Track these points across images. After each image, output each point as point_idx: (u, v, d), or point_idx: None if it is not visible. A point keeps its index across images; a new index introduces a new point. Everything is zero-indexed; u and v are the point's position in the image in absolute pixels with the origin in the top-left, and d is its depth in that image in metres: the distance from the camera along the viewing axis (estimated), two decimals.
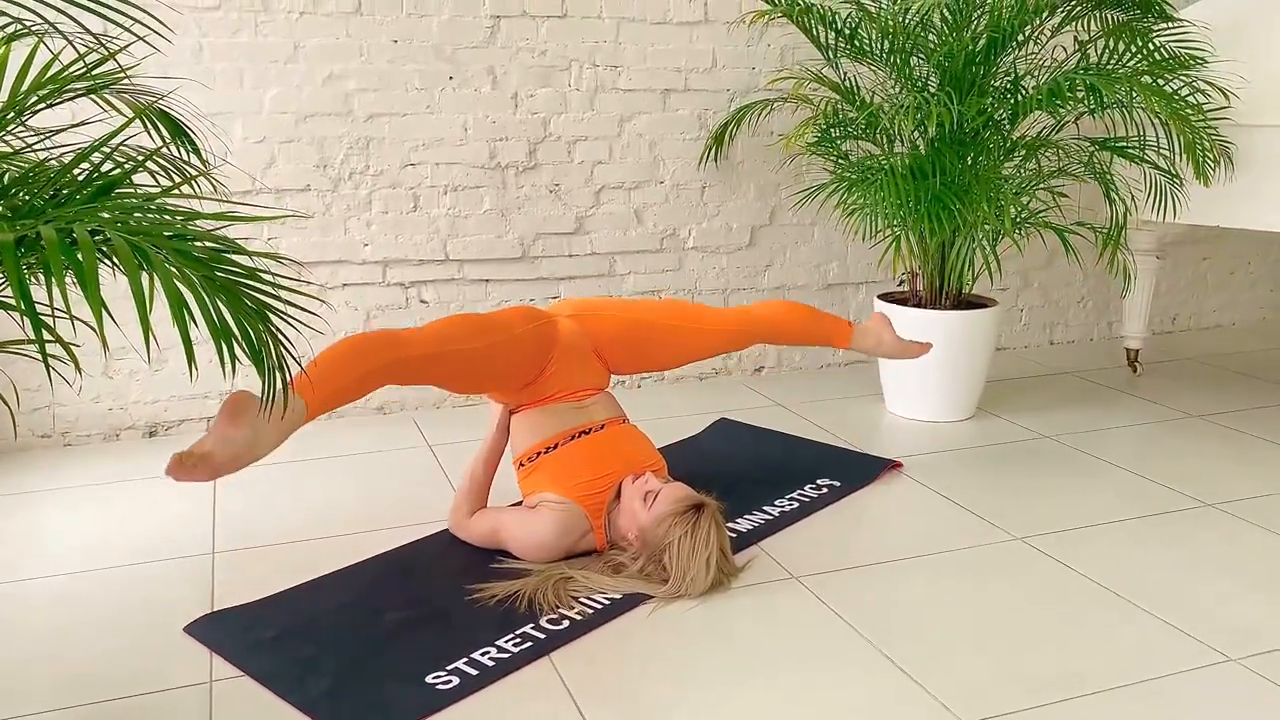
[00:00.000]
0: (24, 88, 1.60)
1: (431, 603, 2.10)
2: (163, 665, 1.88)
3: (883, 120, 2.75)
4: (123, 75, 1.72)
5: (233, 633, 1.98)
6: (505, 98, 3.28)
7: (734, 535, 2.39)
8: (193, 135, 1.92)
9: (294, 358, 1.47)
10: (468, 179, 3.29)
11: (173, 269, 1.19)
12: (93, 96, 1.75)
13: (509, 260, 3.38)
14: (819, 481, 2.72)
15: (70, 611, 2.09)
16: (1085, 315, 4.25)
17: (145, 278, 1.18)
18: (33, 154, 1.62)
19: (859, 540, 2.39)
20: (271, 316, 1.30)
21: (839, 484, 2.70)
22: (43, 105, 1.59)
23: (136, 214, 1.32)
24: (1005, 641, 1.95)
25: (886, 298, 3.30)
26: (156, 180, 1.80)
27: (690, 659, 1.90)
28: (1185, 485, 2.69)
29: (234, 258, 1.27)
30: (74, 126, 1.77)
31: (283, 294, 1.35)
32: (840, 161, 3.18)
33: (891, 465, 2.82)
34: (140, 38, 1.76)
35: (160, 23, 1.92)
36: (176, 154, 1.86)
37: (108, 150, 1.57)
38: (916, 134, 3.01)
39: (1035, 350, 4.15)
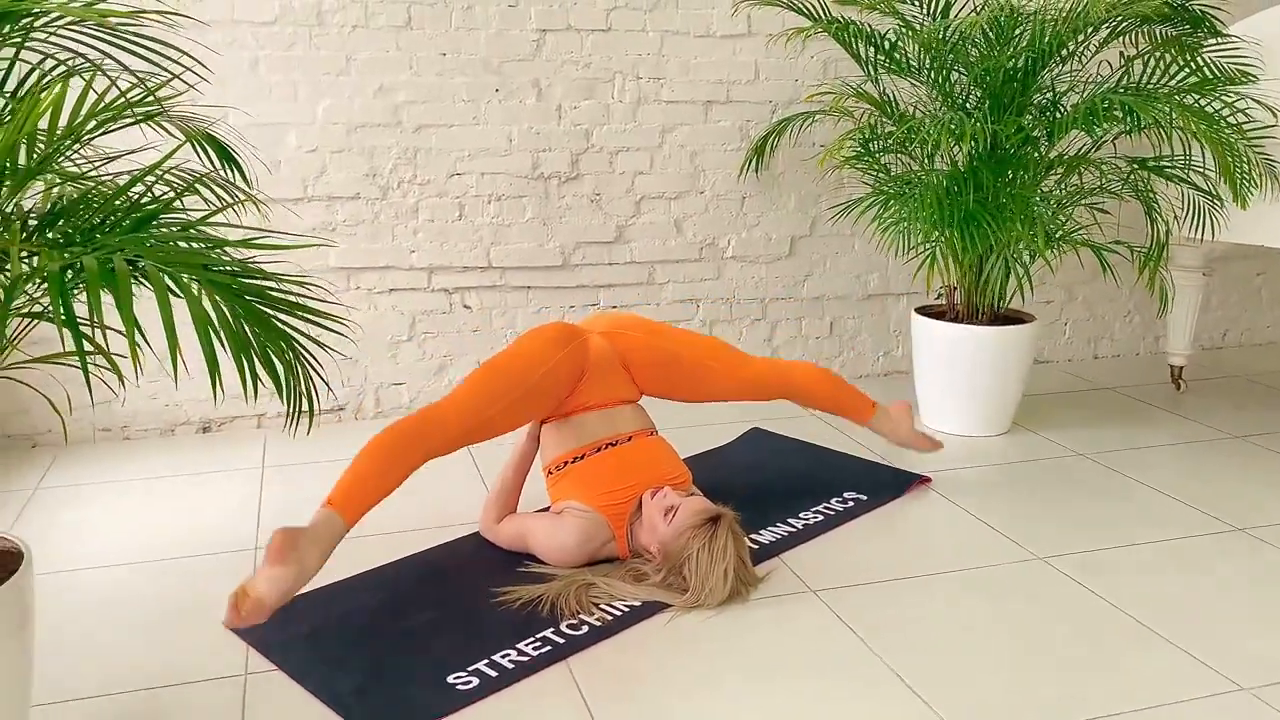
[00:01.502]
0: (81, 115, 1.70)
1: (458, 604, 2.18)
2: (201, 657, 1.99)
3: (918, 136, 2.77)
4: (165, 103, 1.81)
5: (268, 628, 2.06)
6: (549, 109, 3.35)
7: (755, 547, 2.44)
8: (238, 158, 2.01)
9: (319, 375, 1.55)
10: (511, 188, 3.37)
11: (202, 294, 1.28)
12: (149, 124, 1.85)
13: (550, 268, 3.46)
14: (845, 495, 2.75)
15: (117, 601, 2.21)
16: (1131, 330, 4.21)
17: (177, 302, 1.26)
18: (90, 181, 1.73)
19: (880, 555, 2.42)
20: (297, 337, 1.38)
21: (865, 498, 2.73)
22: (100, 131, 1.69)
23: (174, 241, 1.40)
24: (1017, 663, 1.97)
25: (924, 311, 3.31)
26: (207, 203, 1.90)
27: (703, 669, 1.95)
28: (1218, 508, 2.67)
29: (260, 283, 1.35)
30: (129, 153, 1.87)
31: (308, 315, 1.42)
32: (879, 175, 3.20)
33: (920, 480, 2.84)
34: (177, 76, 1.85)
35: (203, 53, 2.00)
36: (224, 177, 1.95)
37: (158, 175, 1.67)
38: (956, 149, 3.02)
39: (1078, 364, 4.12)
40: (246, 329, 1.30)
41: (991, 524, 2.59)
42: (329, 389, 1.96)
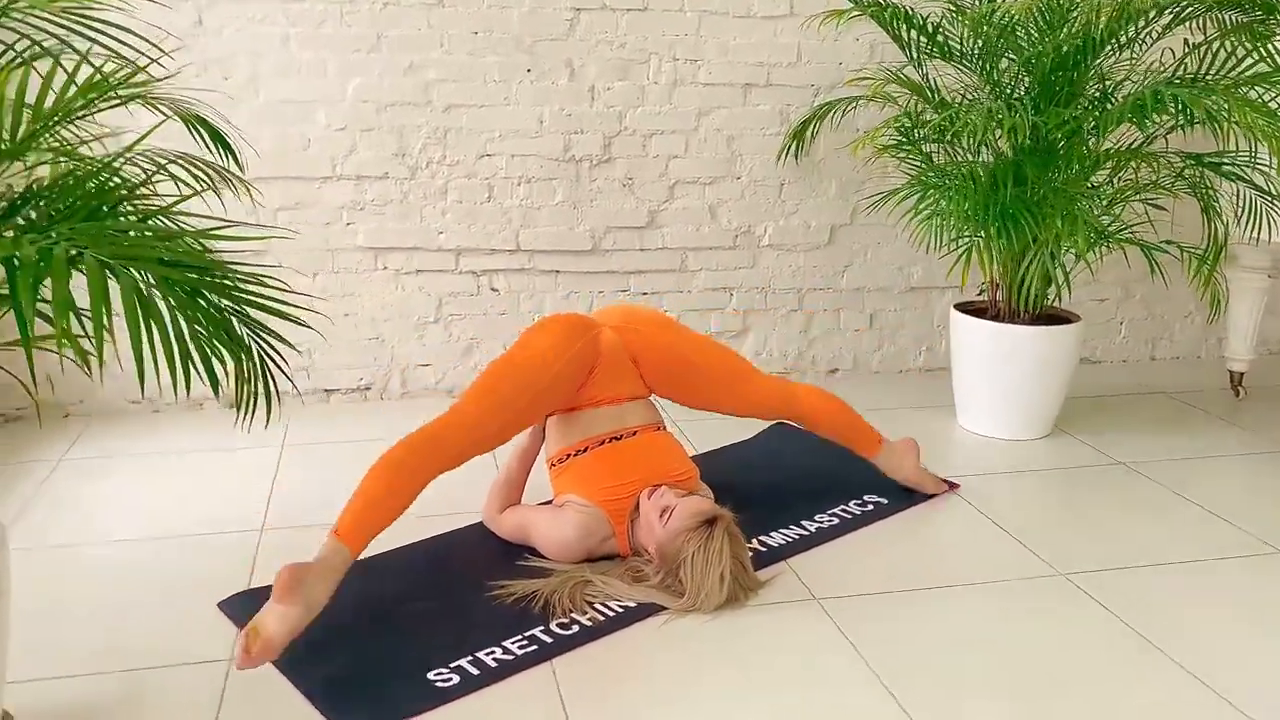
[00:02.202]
0: (50, 96, 1.68)
1: (451, 596, 2.15)
2: (191, 639, 1.99)
3: (953, 127, 2.64)
4: (154, 84, 1.79)
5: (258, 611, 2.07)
6: (582, 90, 3.28)
7: (763, 550, 2.37)
8: (229, 140, 1.99)
9: (279, 367, 1.52)
10: (541, 171, 3.31)
11: (155, 290, 1.25)
12: (144, 106, 1.83)
13: (579, 253, 3.40)
14: (865, 498, 2.65)
15: (119, 578, 2.23)
16: (1192, 331, 4.00)
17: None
18: (80, 162, 1.71)
19: (890, 564, 2.33)
20: (249, 330, 1.34)
21: (886, 502, 2.63)
22: (83, 111, 1.67)
23: (130, 231, 1.38)
24: (1019, 687, 1.88)
25: (964, 307, 3.18)
26: (186, 186, 1.88)
27: (688, 677, 1.89)
28: (1261, 528, 2.52)
29: (217, 279, 1.32)
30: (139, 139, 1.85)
31: (264, 304, 1.39)
32: (920, 165, 3.07)
33: (947, 487, 2.73)
34: (154, 61, 1.83)
35: (211, 34, 1.98)
36: (215, 162, 1.93)
37: (127, 157, 1.65)
38: (1001, 141, 2.88)
39: (1133, 366, 3.94)
40: (184, 323, 1.26)
41: (1015, 535, 2.47)
42: (292, 384, 1.91)
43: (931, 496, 2.67)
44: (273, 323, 1.57)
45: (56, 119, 1.68)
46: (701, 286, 3.54)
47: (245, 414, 1.51)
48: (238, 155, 2.05)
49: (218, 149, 2.00)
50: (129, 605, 2.11)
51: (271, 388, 1.59)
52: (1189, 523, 2.55)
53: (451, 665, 1.91)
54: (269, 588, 2.15)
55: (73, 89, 1.71)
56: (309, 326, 1.74)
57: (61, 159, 1.64)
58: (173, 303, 1.28)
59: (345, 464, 2.81)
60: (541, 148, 3.30)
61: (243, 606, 2.09)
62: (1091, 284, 3.82)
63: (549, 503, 2.39)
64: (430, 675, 1.88)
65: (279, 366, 1.56)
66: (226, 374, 1.41)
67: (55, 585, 2.19)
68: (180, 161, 1.80)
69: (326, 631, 1.99)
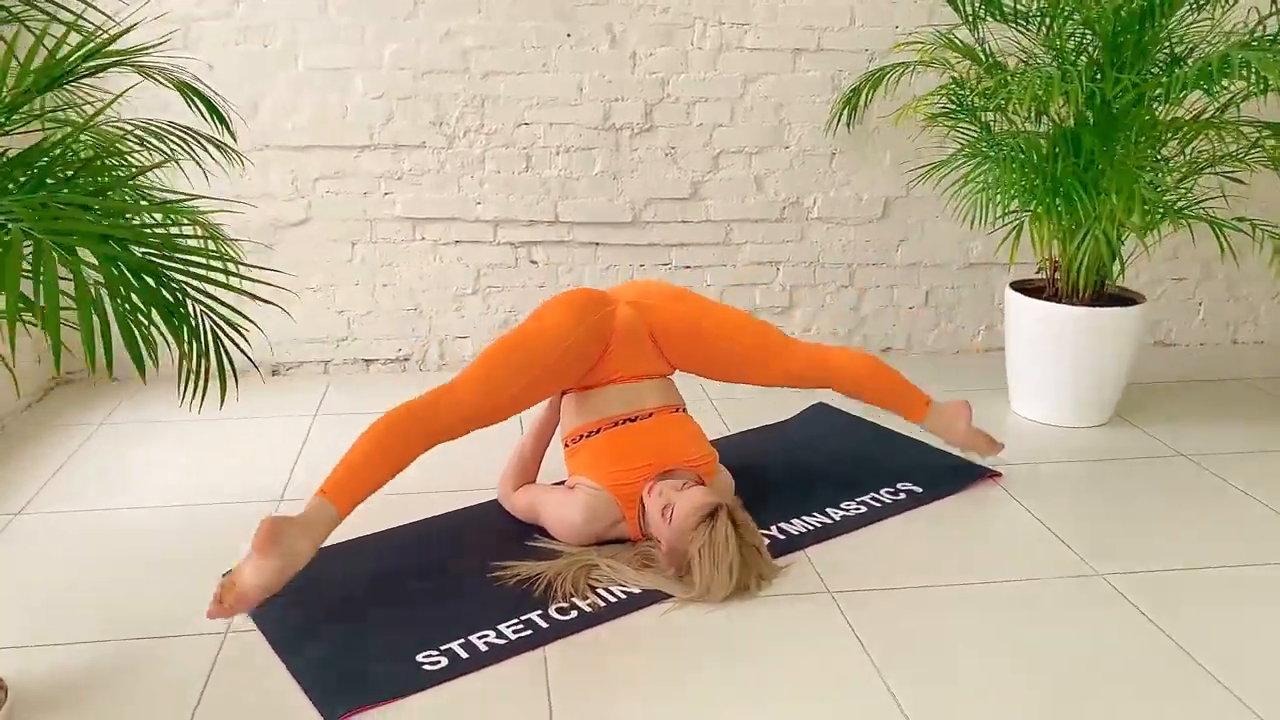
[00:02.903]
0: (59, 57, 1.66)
1: (455, 575, 2.12)
2: (192, 610, 1.99)
3: (999, 94, 2.47)
4: (135, 51, 1.76)
5: None
6: (623, 57, 3.19)
7: (781, 538, 2.27)
8: (219, 108, 1.96)
9: (234, 345, 1.48)
10: (581, 140, 3.23)
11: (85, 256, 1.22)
12: (146, 77, 1.81)
13: (619, 224, 3.32)
14: (899, 486, 2.53)
15: (133, 546, 2.25)
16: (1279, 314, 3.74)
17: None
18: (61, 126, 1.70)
19: (915, 557, 2.21)
20: (195, 308, 1.31)
21: (920, 490, 2.51)
22: (64, 78, 1.65)
23: (80, 205, 1.35)
24: (1030, 697, 1.75)
25: (1021, 286, 3.01)
26: (188, 152, 1.86)
27: (680, 670, 1.82)
28: None
29: (163, 260, 1.28)
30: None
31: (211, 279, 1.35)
32: (975, 134, 2.89)
33: (988, 475, 2.59)
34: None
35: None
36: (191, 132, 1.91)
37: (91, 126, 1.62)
38: (1062, 109, 2.69)
39: (1212, 350, 3.69)
40: (123, 301, 1.23)
41: (1055, 530, 2.33)
42: (252, 362, 1.87)
43: (969, 486, 2.53)
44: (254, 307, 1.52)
45: (42, 85, 1.67)
46: (746, 260, 3.43)
47: (193, 394, 1.46)
48: (229, 123, 2.01)
49: (212, 119, 1.96)
50: (138, 574, 2.13)
51: (226, 366, 1.54)
52: (1251, 523, 2.37)
53: (442, 648, 1.87)
54: None
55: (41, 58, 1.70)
56: (268, 301, 1.70)
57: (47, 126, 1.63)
58: (116, 277, 1.24)
59: None
60: (581, 116, 3.21)
61: None
62: (1171, 261, 3.59)
63: (563, 483, 2.33)
64: (419, 657, 1.84)
65: (235, 344, 1.52)
66: (183, 353, 1.36)
67: (72, 551, 2.22)
68: (164, 131, 1.77)
69: (326, 610, 1.99)
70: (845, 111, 3.26)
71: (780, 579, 2.11)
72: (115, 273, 1.26)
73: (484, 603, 2.02)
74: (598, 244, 3.34)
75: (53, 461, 2.66)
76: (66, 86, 1.70)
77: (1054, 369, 2.89)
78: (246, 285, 1.61)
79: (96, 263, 1.28)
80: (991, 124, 2.93)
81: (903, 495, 2.49)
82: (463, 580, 2.10)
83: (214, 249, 1.73)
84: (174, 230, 1.75)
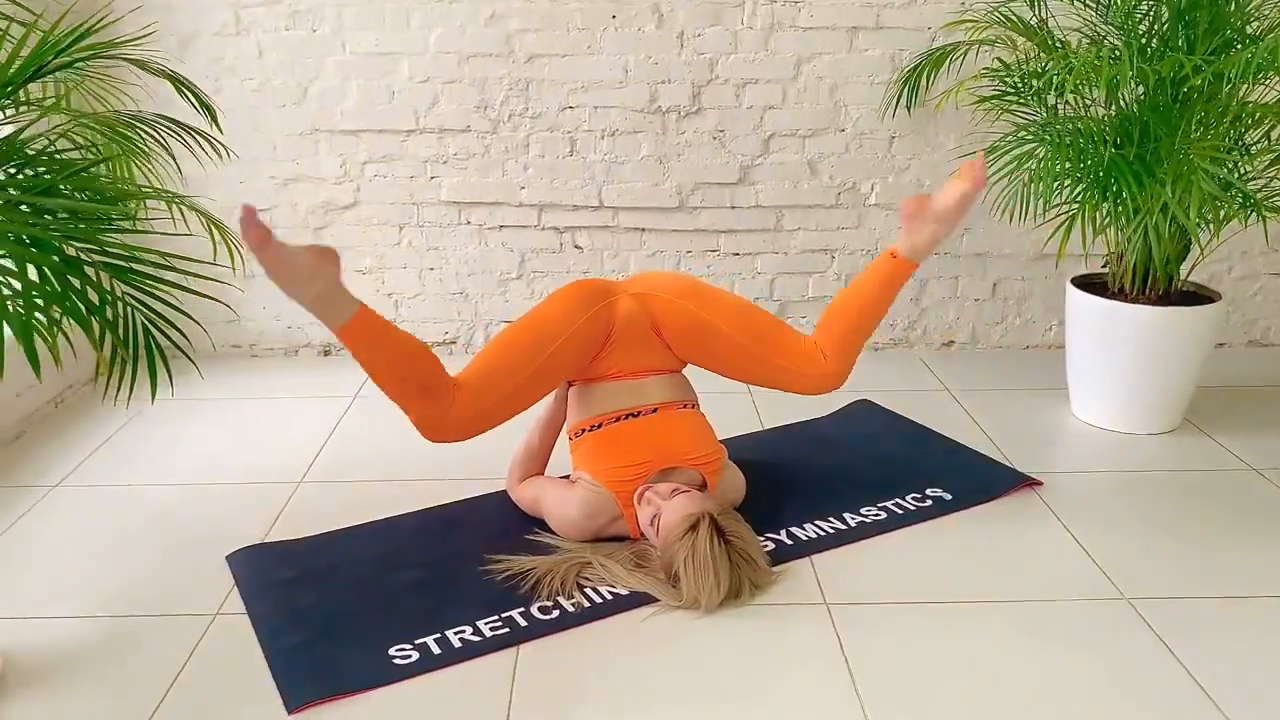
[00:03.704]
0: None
1: (447, 567, 2.10)
2: (188, 591, 2.04)
3: (1043, 77, 2.28)
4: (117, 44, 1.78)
5: (260, 569, 2.10)
6: (670, 37, 3.10)
7: (788, 543, 2.18)
8: (201, 97, 1.97)
9: (172, 342, 1.48)
10: (626, 123, 3.17)
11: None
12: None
13: (666, 210, 3.25)
14: (928, 491, 2.40)
15: (150, 522, 2.32)
16: None
17: None
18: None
19: (926, 570, 2.09)
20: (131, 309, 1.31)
21: (949, 498, 2.37)
22: (47, 71, 1.68)
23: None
24: None
25: (1082, 282, 2.81)
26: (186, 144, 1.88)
27: (650, 679, 1.76)
28: None
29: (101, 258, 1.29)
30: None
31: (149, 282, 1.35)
32: (1032, 119, 2.70)
33: (1025, 483, 2.43)
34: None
35: None
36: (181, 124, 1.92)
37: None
38: (1129, 92, 2.48)
39: None
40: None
41: (1088, 547, 2.16)
42: (184, 353, 1.84)
43: (1003, 494, 2.38)
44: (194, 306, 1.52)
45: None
46: (799, 248, 3.31)
47: (116, 386, 1.47)
48: (215, 114, 2.03)
49: (201, 110, 1.98)
50: (146, 551, 2.19)
51: (157, 358, 1.55)
52: None
53: (416, 641, 1.86)
54: (277, 543, 2.20)
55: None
56: (205, 295, 1.70)
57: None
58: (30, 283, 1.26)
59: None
60: (626, 99, 3.15)
61: (244, 561, 2.13)
62: (1268, 255, 3.30)
63: (567, 477, 2.29)
64: (392, 650, 1.83)
65: (167, 336, 1.52)
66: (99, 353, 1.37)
67: (94, 526, 2.30)
68: (142, 122, 1.79)
69: (313, 595, 2.00)
70: (905, 92, 3.09)
71: (777, 588, 2.02)
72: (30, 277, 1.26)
73: (469, 597, 2.00)
74: (643, 230, 3.27)
75: (99, 436, 2.77)
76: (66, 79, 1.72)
77: (1114, 372, 2.69)
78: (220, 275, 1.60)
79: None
80: (1060, 108, 2.73)
81: (929, 502, 2.36)
82: (453, 572, 2.08)
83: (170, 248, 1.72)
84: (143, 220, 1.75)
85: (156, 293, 1.52)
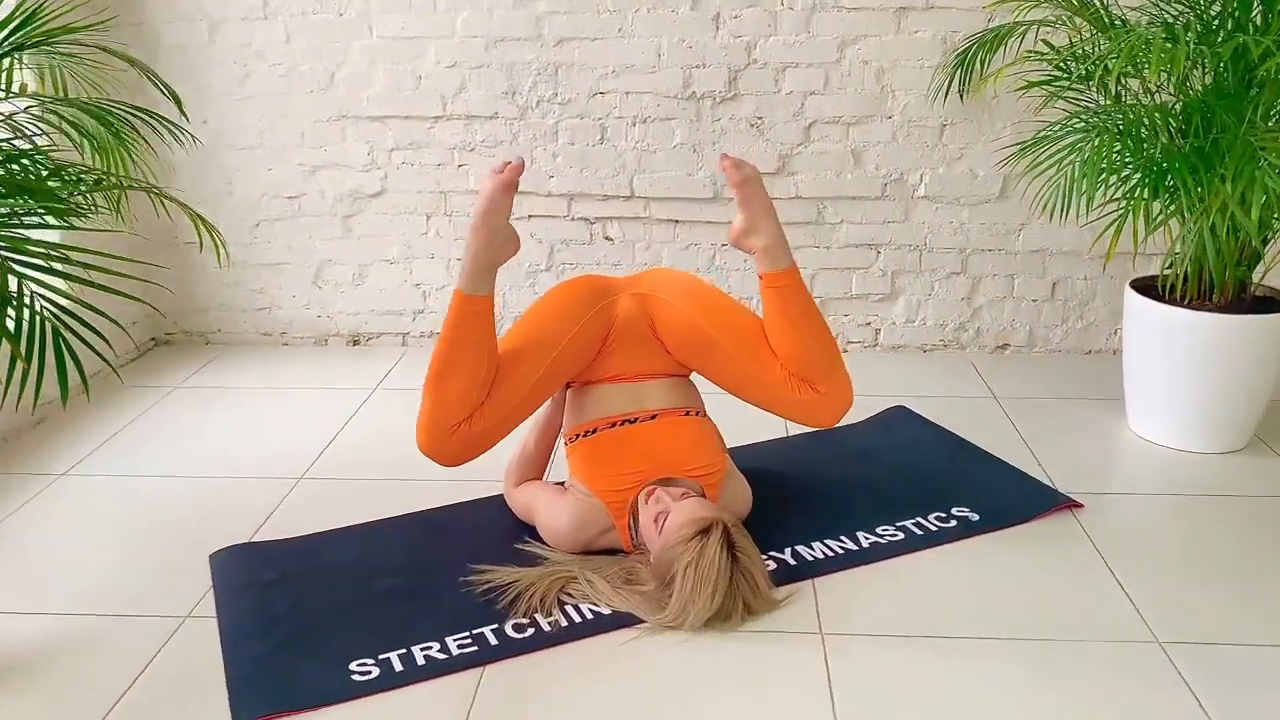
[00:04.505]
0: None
1: (428, 575, 2.02)
2: (163, 590, 1.99)
3: (1088, 61, 2.07)
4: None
5: (240, 569, 2.04)
6: (705, 19, 2.94)
7: (792, 564, 2.03)
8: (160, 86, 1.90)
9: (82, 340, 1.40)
10: (658, 109, 3.03)
11: None
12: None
13: (700, 200, 3.10)
14: (954, 510, 2.22)
15: (142, 515, 2.28)
16: None
17: None
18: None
19: (938, 599, 1.91)
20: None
21: (976, 518, 2.19)
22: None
23: None
24: None
25: (1144, 285, 2.58)
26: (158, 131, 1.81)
27: (619, 708, 1.64)
28: None
29: None
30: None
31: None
32: (1087, 106, 2.47)
33: (1064, 505, 2.23)
34: None
35: None
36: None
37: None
38: (1198, 78, 2.25)
39: None
40: None
41: (1123, 580, 1.96)
42: (102, 359, 1.75)
43: (1036, 516, 2.18)
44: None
45: None
46: (842, 242, 3.13)
47: (20, 387, 1.40)
48: (180, 102, 1.95)
49: (168, 97, 1.91)
50: (134, 547, 2.15)
51: (67, 360, 1.47)
52: None
53: (380, 657, 1.77)
54: (261, 544, 2.15)
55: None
56: (100, 287, 1.61)
57: None
58: None
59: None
60: (659, 84, 3.00)
61: (225, 561, 2.07)
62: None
63: (563, 484, 2.18)
64: (353, 665, 1.75)
65: (82, 339, 1.45)
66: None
67: (88, 518, 2.28)
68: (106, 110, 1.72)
69: (286, 601, 1.93)
70: (957, 77, 2.88)
71: (776, 611, 1.88)
72: None
73: (443, 610, 1.90)
74: (676, 221, 3.13)
75: (115, 424, 2.76)
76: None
77: (1176, 384, 2.46)
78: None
79: None
80: (1122, 94, 2.49)
81: (954, 523, 2.17)
82: (433, 582, 1.99)
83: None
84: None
85: (62, 288, 1.44)
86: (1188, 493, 2.31)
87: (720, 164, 2.04)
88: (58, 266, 1.40)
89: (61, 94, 2.05)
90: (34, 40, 1.66)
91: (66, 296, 1.46)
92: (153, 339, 3.36)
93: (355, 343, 3.36)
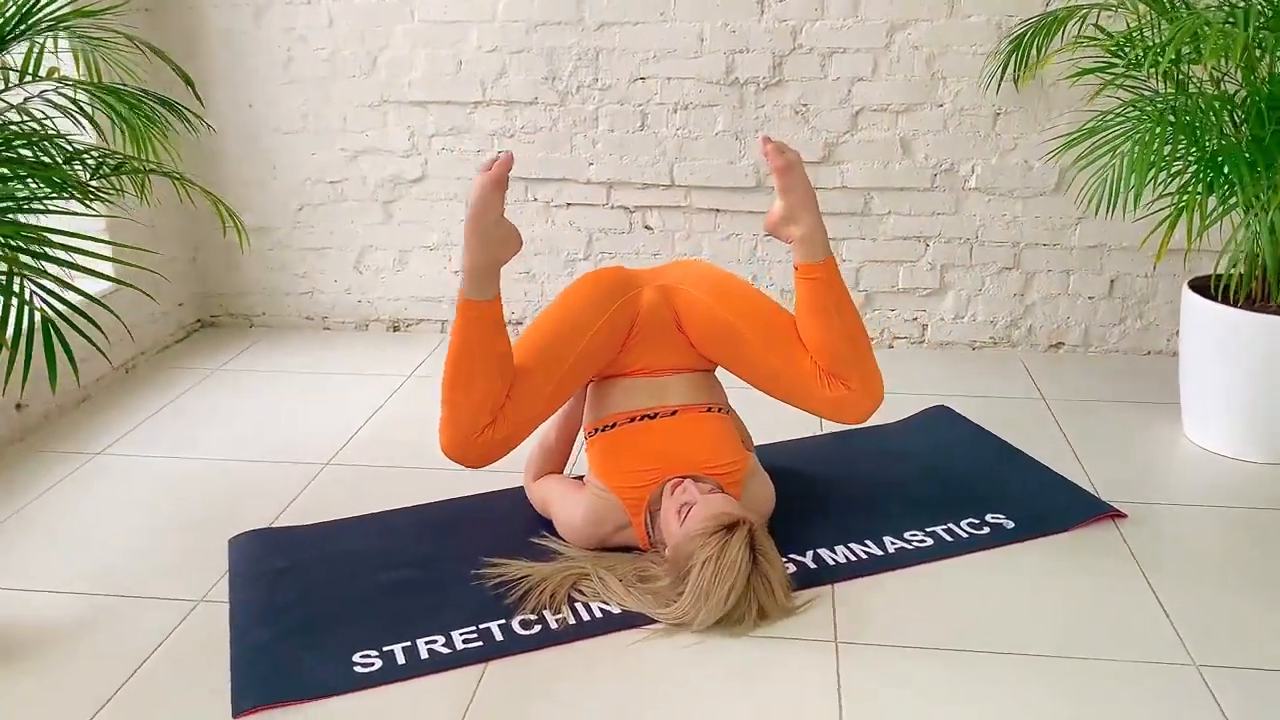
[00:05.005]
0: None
1: (439, 568, 1.99)
2: (179, 573, 2.00)
3: (1136, 49, 1.95)
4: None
5: (256, 555, 2.04)
6: (749, 3, 2.87)
7: (812, 567, 1.97)
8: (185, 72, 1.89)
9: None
10: (700, 96, 2.96)
11: None
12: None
13: (742, 190, 3.03)
14: (988, 517, 2.13)
15: (168, 497, 2.30)
16: None
17: None
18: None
19: (962, 610, 1.83)
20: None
21: (1011, 525, 2.09)
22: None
23: None
24: None
25: (1200, 285, 2.44)
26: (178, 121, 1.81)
27: (618, 711, 1.60)
28: None
29: None
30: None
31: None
32: (1145, 95, 2.34)
33: (1106, 515, 2.12)
34: None
35: None
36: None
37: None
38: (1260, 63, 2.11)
39: None
40: None
41: (1163, 598, 1.85)
42: (92, 343, 1.71)
43: (1075, 526, 2.08)
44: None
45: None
46: (889, 234, 3.03)
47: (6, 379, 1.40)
48: (194, 85, 1.94)
49: (184, 83, 1.91)
50: (157, 528, 2.17)
51: (56, 347, 1.47)
52: None
53: (384, 649, 1.75)
54: (279, 529, 2.15)
55: None
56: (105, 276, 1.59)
57: None
58: None
59: None
60: (701, 69, 2.94)
61: (243, 546, 2.08)
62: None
63: (582, 478, 2.14)
64: (356, 656, 1.74)
65: (76, 328, 1.44)
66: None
67: (117, 498, 2.30)
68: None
69: (295, 591, 1.93)
70: (1011, 64, 2.75)
71: (787, 617, 1.82)
72: None
73: (451, 603, 1.88)
74: (718, 210, 3.06)
75: (154, 404, 2.80)
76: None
77: (1235, 389, 2.32)
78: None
79: None
80: (1188, 84, 2.35)
81: (987, 530, 2.08)
82: (444, 574, 1.97)
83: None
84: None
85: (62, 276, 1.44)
86: (1240, 505, 2.18)
87: (762, 147, 1.96)
88: (61, 255, 1.40)
89: (96, 78, 2.07)
90: (64, 19, 1.67)
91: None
92: (199, 320, 3.40)
93: (395, 329, 3.36)
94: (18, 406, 2.56)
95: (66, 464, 2.46)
